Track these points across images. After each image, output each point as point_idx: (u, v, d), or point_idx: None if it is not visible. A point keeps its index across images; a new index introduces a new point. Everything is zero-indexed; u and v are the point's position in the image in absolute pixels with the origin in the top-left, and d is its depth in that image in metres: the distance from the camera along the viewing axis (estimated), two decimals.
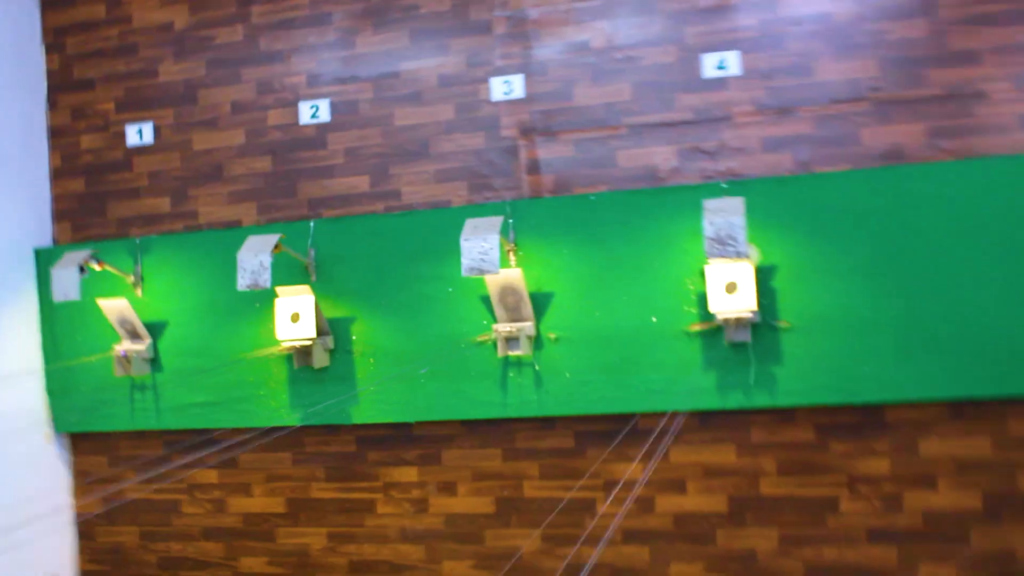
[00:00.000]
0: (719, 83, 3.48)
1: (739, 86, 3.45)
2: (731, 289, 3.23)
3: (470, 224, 3.32)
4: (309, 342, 3.62)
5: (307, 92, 3.90)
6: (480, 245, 3.24)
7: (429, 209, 3.72)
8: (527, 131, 3.63)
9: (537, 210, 3.57)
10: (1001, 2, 3.25)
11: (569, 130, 3.60)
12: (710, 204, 3.17)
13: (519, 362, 3.56)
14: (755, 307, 3.20)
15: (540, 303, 3.54)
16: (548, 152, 3.62)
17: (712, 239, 3.11)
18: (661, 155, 3.52)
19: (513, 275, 3.42)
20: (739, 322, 3.27)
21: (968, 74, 3.27)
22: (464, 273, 3.24)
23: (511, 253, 3.52)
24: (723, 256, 3.09)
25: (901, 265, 3.24)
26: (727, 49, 3.47)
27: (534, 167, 3.63)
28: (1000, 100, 3.25)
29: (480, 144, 3.69)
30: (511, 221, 3.54)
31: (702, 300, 3.36)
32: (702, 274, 3.34)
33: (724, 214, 3.11)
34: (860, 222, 3.27)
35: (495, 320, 3.53)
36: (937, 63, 3.31)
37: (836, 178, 3.31)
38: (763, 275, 3.31)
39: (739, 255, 3.07)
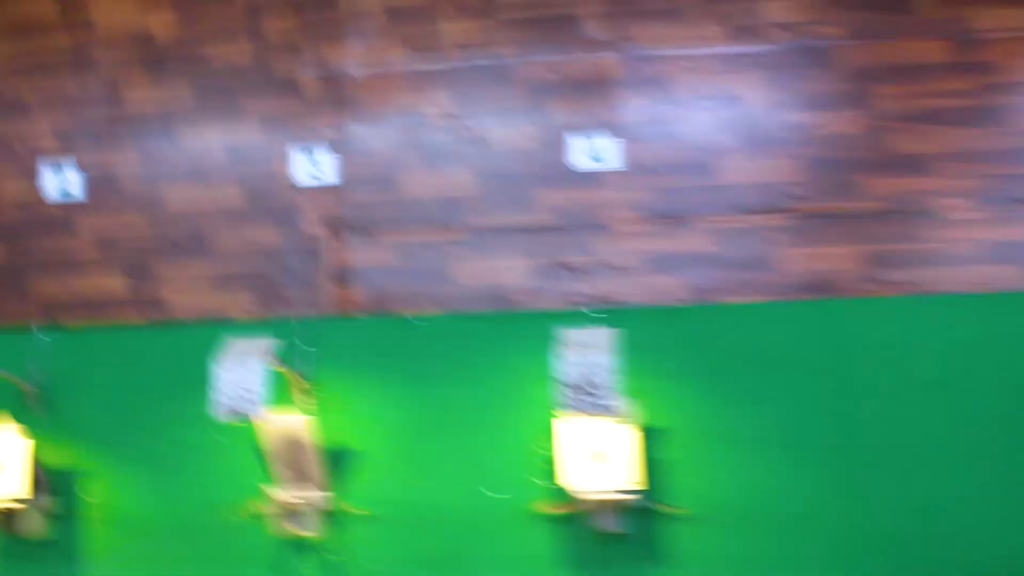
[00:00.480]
0: (593, 178, 2.60)
1: (619, 184, 2.57)
2: (599, 458, 2.30)
3: (232, 346, 2.36)
4: (15, 504, 2.58)
5: (54, 158, 2.89)
6: (242, 377, 2.29)
7: (198, 324, 2.71)
8: (337, 228, 2.68)
9: (342, 334, 2.62)
10: (949, 97, 2.46)
11: (393, 230, 2.66)
12: (570, 336, 2.26)
13: (304, 545, 2.54)
14: (634, 485, 2.26)
15: (340, 465, 2.55)
16: (363, 258, 2.68)
17: (570, 385, 2.18)
18: (512, 270, 2.60)
19: (297, 424, 2.44)
20: (610, 505, 2.32)
21: (913, 185, 2.45)
22: (217, 415, 2.29)
23: (300, 391, 2.53)
24: (582, 409, 2.17)
25: (833, 432, 2.37)
26: (605, 134, 2.60)
27: (343, 277, 2.67)
28: (954, 221, 2.43)
29: (274, 242, 2.73)
30: (305, 348, 2.56)
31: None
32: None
33: (588, 351, 2.21)
34: (776, 373, 2.41)
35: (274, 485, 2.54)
36: (876, 169, 2.48)
37: (744, 312, 2.44)
38: (649, 440, 2.39)
39: (602, 409, 2.16)
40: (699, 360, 2.47)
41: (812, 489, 2.38)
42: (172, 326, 2.76)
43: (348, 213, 2.72)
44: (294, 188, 2.75)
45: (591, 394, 2.25)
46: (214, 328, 2.65)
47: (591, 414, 2.24)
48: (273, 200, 2.76)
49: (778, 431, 2.42)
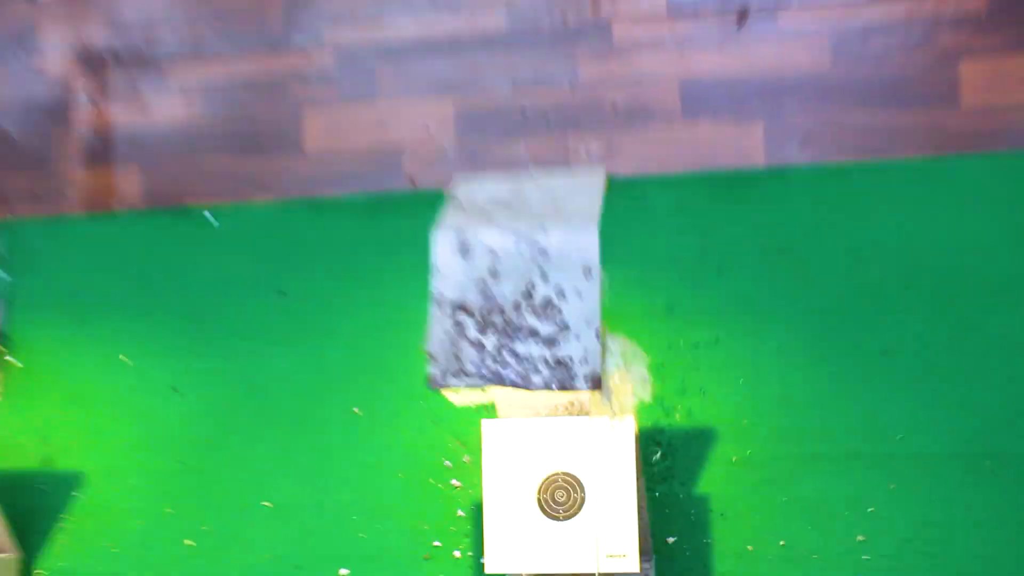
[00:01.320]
0: None
1: None
2: (568, 509, 0.93)
3: None
4: None
5: None
6: None
7: None
8: (96, 60, 1.45)
9: (83, 246, 1.33)
10: None
11: (197, 59, 1.42)
12: (468, 193, 0.87)
13: None
14: (634, 559, 0.89)
15: (50, 505, 1.23)
16: (142, 113, 1.41)
17: (449, 308, 0.78)
18: (411, 119, 1.33)
19: None
20: None
21: None
22: None
23: None
24: (508, 381, 0.76)
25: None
26: None
27: (104, 149, 1.42)
28: None
29: None
30: None
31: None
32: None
33: (527, 228, 0.80)
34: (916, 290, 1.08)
35: None
36: None
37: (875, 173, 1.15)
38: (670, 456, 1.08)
39: (556, 381, 0.76)
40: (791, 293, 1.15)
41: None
42: None
43: (118, 34, 1.47)
44: (31, 2, 1.52)
45: (514, 335, 0.80)
46: None
47: (526, 391, 0.79)
48: None
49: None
